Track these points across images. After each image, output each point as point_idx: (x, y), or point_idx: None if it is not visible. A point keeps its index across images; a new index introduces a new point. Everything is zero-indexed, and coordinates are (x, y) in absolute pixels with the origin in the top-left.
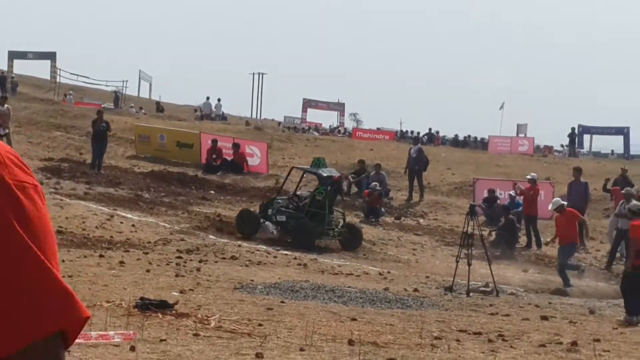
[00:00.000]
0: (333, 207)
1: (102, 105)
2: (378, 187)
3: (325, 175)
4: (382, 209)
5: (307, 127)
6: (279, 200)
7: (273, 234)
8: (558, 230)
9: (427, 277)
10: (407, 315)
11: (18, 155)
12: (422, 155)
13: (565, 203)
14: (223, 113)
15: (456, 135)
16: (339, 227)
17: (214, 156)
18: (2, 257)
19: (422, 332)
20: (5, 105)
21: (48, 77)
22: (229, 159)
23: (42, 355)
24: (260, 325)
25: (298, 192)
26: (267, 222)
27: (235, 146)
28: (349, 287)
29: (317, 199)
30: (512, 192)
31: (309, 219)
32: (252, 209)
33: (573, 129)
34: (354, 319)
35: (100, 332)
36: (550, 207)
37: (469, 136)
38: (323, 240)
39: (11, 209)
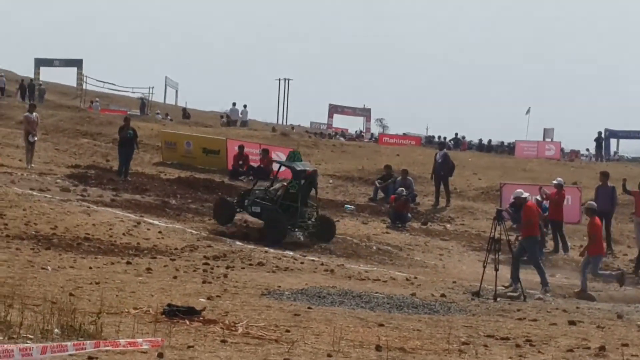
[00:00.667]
0: (307, 200)
1: (128, 112)
2: (404, 193)
3: (298, 169)
4: (409, 215)
5: (333, 133)
6: (256, 191)
7: (300, 239)
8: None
9: (454, 282)
10: (434, 321)
11: None
12: (448, 160)
13: (527, 195)
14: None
15: (480, 140)
16: (312, 219)
17: (241, 162)
18: None
19: (449, 337)
20: (34, 113)
21: (74, 84)
22: (255, 165)
23: None
24: (287, 331)
25: (275, 185)
26: (296, 230)
27: (264, 152)
28: (376, 292)
29: (290, 192)
30: (538, 197)
31: (282, 211)
32: (228, 198)
33: (600, 133)
34: (381, 325)
35: (128, 339)
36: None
37: (490, 141)
38: (296, 233)
39: None
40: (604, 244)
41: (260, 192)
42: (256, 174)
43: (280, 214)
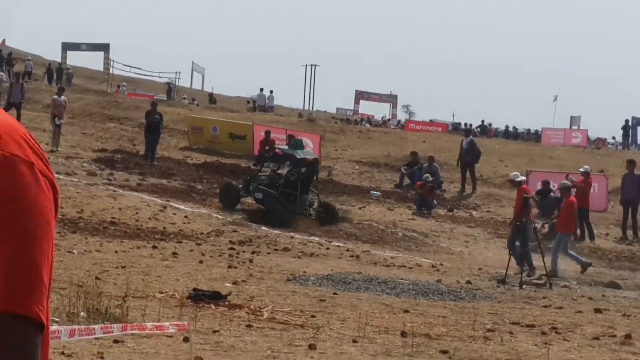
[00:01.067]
0: (310, 187)
1: (155, 97)
2: (430, 179)
3: (298, 157)
4: (435, 201)
5: (359, 119)
6: (262, 177)
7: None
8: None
9: (480, 269)
10: (459, 308)
11: (28, 134)
12: (474, 147)
13: (524, 178)
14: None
15: (507, 127)
16: (314, 206)
17: (267, 148)
18: None
19: (474, 324)
20: (62, 97)
21: (101, 69)
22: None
23: None
24: (313, 316)
25: (280, 170)
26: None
27: (290, 137)
28: (402, 279)
29: (290, 180)
30: None
31: (283, 199)
32: (234, 183)
33: (627, 121)
34: (406, 311)
35: (154, 323)
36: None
37: (515, 128)
38: (300, 220)
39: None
40: (575, 224)
41: (266, 178)
42: (282, 160)
43: (280, 202)
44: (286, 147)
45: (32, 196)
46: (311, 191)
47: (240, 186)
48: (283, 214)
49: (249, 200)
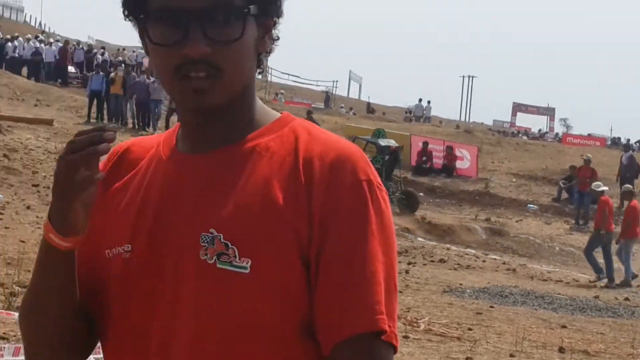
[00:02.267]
0: (392, 175)
1: (312, 105)
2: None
3: (382, 144)
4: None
5: (516, 131)
6: None
7: (482, 237)
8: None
9: (639, 286)
10: (618, 325)
11: None
12: (633, 163)
13: (605, 189)
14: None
15: None
16: (397, 193)
17: (424, 158)
18: (356, 245)
19: (634, 342)
20: None
21: (259, 77)
22: (439, 162)
23: (363, 351)
24: (469, 329)
25: None
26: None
27: (449, 149)
28: (559, 293)
29: (375, 167)
30: None
31: None
32: None
33: None
34: (564, 327)
35: None
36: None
37: None
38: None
39: (373, 207)
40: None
41: None
42: (440, 170)
43: None
44: (369, 137)
45: (390, 214)
46: (394, 179)
47: None
48: None
49: None
